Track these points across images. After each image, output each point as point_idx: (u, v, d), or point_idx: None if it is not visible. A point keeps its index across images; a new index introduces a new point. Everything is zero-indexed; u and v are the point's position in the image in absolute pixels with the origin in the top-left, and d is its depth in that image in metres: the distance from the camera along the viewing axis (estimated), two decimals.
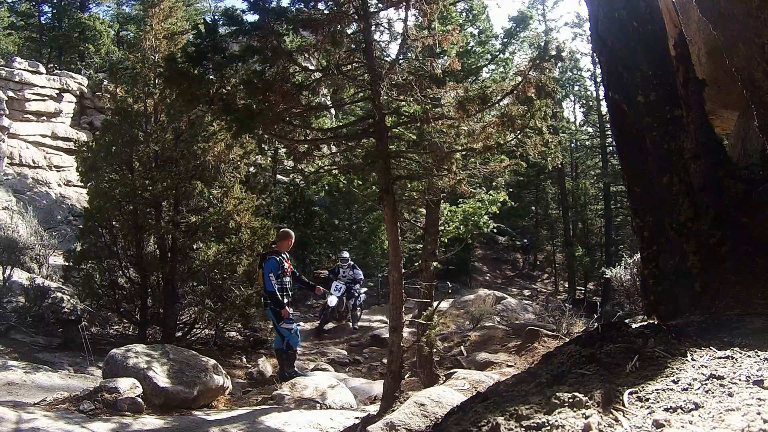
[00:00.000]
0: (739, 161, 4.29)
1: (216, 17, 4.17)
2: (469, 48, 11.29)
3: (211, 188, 8.10)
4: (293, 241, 6.60)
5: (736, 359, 2.06)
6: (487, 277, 21.91)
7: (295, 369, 6.52)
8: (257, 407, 5.44)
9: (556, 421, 1.64)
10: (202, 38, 3.96)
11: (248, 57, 4.05)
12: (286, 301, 6.19)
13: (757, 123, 3.17)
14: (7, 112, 15.89)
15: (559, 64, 4.11)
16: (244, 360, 8.17)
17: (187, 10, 22.55)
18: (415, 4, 4.10)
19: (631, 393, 1.82)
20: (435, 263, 7.73)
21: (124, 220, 7.86)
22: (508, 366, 7.52)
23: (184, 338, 7.97)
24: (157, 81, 8.04)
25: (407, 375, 6.61)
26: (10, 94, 16.41)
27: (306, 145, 4.54)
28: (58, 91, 18.07)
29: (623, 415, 1.67)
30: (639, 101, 3.67)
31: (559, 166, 17.31)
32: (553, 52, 3.92)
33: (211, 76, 4.02)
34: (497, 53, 12.99)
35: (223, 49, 3.95)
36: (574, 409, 1.70)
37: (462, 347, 9.43)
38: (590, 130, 26.05)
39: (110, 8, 27.62)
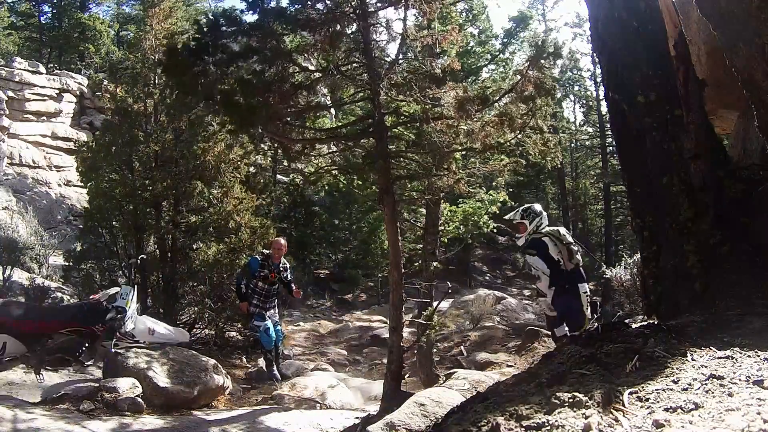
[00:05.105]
0: (739, 161, 4.29)
1: (214, 16, 4.17)
2: (469, 48, 11.30)
3: (211, 188, 8.10)
4: (280, 247, 6.39)
5: (736, 359, 2.05)
6: (487, 277, 21.91)
7: (273, 371, 6.29)
8: (257, 407, 5.44)
9: (556, 421, 1.64)
10: (203, 34, 3.97)
11: (248, 57, 4.06)
12: (255, 302, 6.14)
13: (757, 123, 3.16)
14: (7, 112, 15.90)
15: (559, 63, 4.12)
16: (244, 360, 8.17)
17: (187, 10, 22.55)
18: (414, 4, 4.11)
19: (631, 393, 1.81)
20: (435, 263, 7.74)
21: (124, 220, 7.86)
22: (508, 366, 7.53)
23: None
24: (156, 81, 8.05)
25: (407, 375, 6.61)
26: (10, 94, 16.42)
27: (300, 145, 4.55)
28: (58, 91, 18.07)
29: (623, 415, 1.67)
30: (639, 101, 3.67)
31: (559, 166, 17.32)
32: (551, 49, 3.92)
33: (210, 71, 4.03)
34: (497, 53, 13.02)
35: (225, 46, 3.96)
36: (574, 409, 1.70)
37: (462, 347, 9.43)
38: (590, 130, 26.05)
39: (110, 8, 27.69)
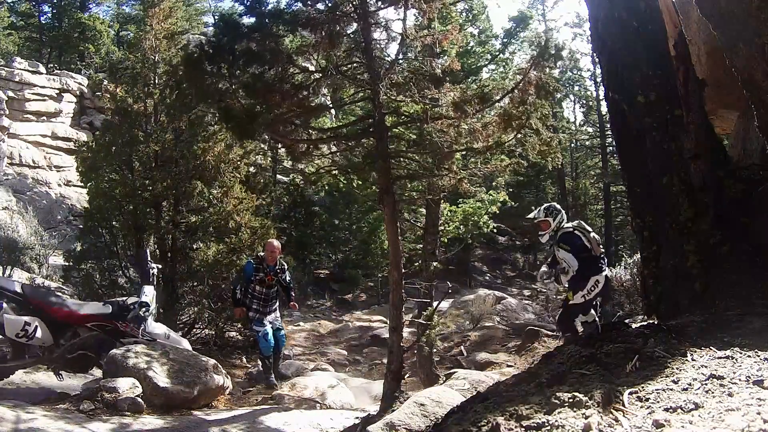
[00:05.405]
0: (739, 161, 4.29)
1: (230, 18, 4.15)
2: (469, 48, 11.29)
3: (211, 188, 8.10)
4: (273, 249, 6.23)
5: (736, 359, 2.06)
6: (487, 277, 21.90)
7: (270, 377, 6.16)
8: (257, 407, 5.44)
9: (556, 421, 1.65)
10: (220, 38, 3.97)
11: (250, 59, 4.06)
12: (255, 307, 6.10)
13: (757, 123, 3.17)
14: (7, 112, 15.90)
15: (559, 63, 4.11)
16: (244, 360, 8.17)
17: (187, 10, 22.60)
18: (414, 4, 4.10)
19: (631, 393, 1.82)
20: (435, 263, 7.74)
21: (124, 220, 7.86)
22: (508, 366, 7.53)
23: (184, 338, 7.97)
24: (156, 81, 8.05)
25: (407, 375, 6.60)
26: (10, 94, 16.41)
27: (305, 145, 4.55)
28: (58, 91, 18.07)
29: (623, 415, 1.67)
30: (639, 101, 3.68)
31: (559, 166, 17.32)
32: (553, 51, 3.92)
33: (224, 75, 4.03)
34: (497, 53, 13.00)
35: (233, 49, 3.95)
36: (574, 409, 1.70)
37: (462, 347, 9.44)
38: (590, 130, 26.04)
39: (110, 8, 27.72)
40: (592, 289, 4.82)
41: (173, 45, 8.10)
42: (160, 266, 6.02)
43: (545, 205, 5.27)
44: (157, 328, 5.59)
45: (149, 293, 5.31)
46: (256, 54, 3.98)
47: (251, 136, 4.16)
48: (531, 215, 5.27)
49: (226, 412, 5.10)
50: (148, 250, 6.26)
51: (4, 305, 4.75)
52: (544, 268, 5.38)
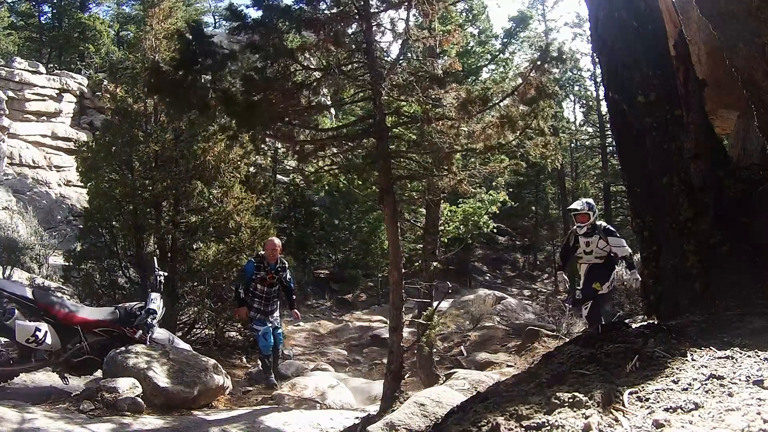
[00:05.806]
0: (739, 161, 4.30)
1: (213, 17, 4.15)
2: (469, 48, 11.31)
3: (211, 188, 8.10)
4: (273, 247, 6.21)
5: (736, 359, 2.06)
6: (487, 277, 21.90)
7: (269, 377, 6.17)
8: (257, 407, 5.44)
9: (556, 421, 1.65)
10: (188, 44, 3.92)
11: (249, 54, 4.04)
12: (256, 306, 6.09)
13: (757, 123, 3.17)
14: (7, 112, 15.90)
15: (560, 67, 4.11)
16: (244, 360, 8.17)
17: (187, 10, 22.60)
18: (416, 5, 4.11)
19: (631, 393, 1.82)
20: (435, 263, 7.75)
21: (124, 220, 7.86)
22: (508, 366, 7.53)
23: (184, 338, 7.96)
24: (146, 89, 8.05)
25: (407, 375, 6.60)
26: (10, 94, 16.41)
27: (312, 146, 4.55)
28: (58, 91, 18.07)
29: (623, 415, 1.67)
30: (639, 101, 3.68)
31: (559, 166, 17.34)
32: (555, 54, 3.92)
33: (200, 82, 3.97)
34: (497, 53, 13.02)
35: (214, 52, 3.91)
36: (574, 409, 1.71)
37: (462, 347, 9.44)
38: (590, 130, 26.04)
39: (110, 8, 27.75)
40: (613, 280, 5.72)
41: (173, 45, 8.09)
42: (167, 274, 6.02)
43: (586, 200, 6.01)
44: (162, 334, 5.64)
45: (156, 300, 5.34)
46: (259, 47, 3.96)
47: (251, 126, 4.12)
48: (574, 205, 5.94)
49: (226, 412, 5.10)
50: (156, 258, 6.29)
51: (16, 311, 4.80)
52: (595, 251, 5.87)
